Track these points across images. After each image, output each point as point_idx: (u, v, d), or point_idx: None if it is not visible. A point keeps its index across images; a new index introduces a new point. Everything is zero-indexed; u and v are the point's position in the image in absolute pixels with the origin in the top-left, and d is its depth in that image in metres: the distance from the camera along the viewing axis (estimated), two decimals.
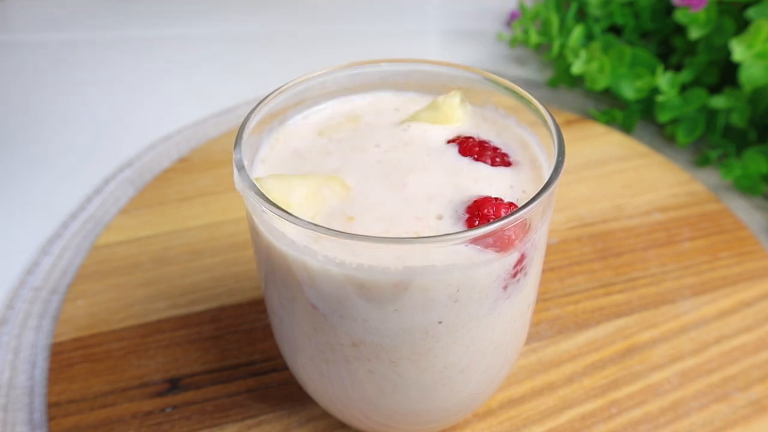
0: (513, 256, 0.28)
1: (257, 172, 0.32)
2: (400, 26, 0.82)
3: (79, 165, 0.59)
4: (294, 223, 0.26)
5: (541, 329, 0.43)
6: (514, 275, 0.29)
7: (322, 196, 0.29)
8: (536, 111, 0.32)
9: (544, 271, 0.47)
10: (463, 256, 0.26)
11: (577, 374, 0.41)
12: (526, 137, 0.34)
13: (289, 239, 0.27)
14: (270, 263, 0.30)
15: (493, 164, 0.31)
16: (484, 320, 0.30)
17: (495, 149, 0.32)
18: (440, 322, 0.28)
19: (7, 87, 0.70)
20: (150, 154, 0.60)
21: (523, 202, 0.27)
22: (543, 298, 0.45)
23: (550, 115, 0.31)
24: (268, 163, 0.32)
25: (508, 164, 0.32)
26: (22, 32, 0.80)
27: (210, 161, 0.57)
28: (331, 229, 0.25)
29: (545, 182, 0.28)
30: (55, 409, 0.39)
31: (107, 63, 0.74)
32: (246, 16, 0.75)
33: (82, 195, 0.56)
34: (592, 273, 0.47)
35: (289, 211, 0.26)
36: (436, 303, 0.28)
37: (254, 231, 0.31)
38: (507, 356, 0.34)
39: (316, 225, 0.26)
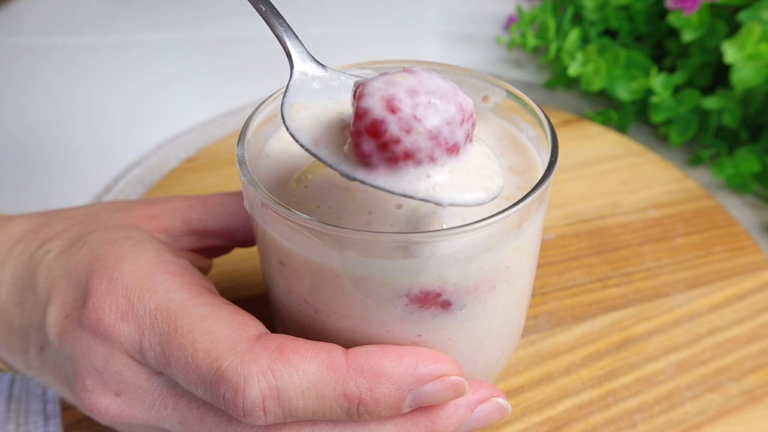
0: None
1: (262, 166, 0.33)
2: (399, 29, 0.83)
3: (90, 164, 0.61)
4: (289, 218, 0.26)
5: (539, 322, 0.44)
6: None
7: None
8: (531, 111, 0.33)
9: (541, 265, 0.48)
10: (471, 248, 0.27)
11: (574, 365, 0.42)
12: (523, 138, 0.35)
13: (288, 233, 0.28)
14: (269, 256, 0.31)
15: None
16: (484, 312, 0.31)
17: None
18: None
19: (17, 89, 0.71)
20: (158, 154, 0.61)
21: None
22: (541, 292, 0.46)
23: (545, 114, 0.32)
24: (272, 158, 0.34)
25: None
26: (30, 35, 0.82)
27: (216, 160, 0.58)
28: (326, 224, 0.26)
29: (539, 179, 0.29)
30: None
31: (116, 66, 0.76)
32: (252, 20, 0.76)
33: (92, 193, 0.57)
34: (588, 267, 0.48)
35: None
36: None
37: (255, 226, 0.31)
38: (504, 348, 0.36)
39: (311, 219, 0.26)
